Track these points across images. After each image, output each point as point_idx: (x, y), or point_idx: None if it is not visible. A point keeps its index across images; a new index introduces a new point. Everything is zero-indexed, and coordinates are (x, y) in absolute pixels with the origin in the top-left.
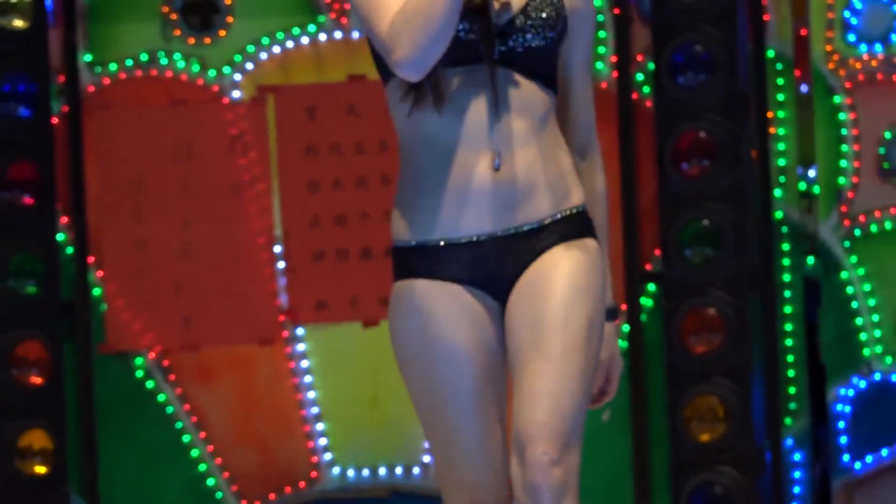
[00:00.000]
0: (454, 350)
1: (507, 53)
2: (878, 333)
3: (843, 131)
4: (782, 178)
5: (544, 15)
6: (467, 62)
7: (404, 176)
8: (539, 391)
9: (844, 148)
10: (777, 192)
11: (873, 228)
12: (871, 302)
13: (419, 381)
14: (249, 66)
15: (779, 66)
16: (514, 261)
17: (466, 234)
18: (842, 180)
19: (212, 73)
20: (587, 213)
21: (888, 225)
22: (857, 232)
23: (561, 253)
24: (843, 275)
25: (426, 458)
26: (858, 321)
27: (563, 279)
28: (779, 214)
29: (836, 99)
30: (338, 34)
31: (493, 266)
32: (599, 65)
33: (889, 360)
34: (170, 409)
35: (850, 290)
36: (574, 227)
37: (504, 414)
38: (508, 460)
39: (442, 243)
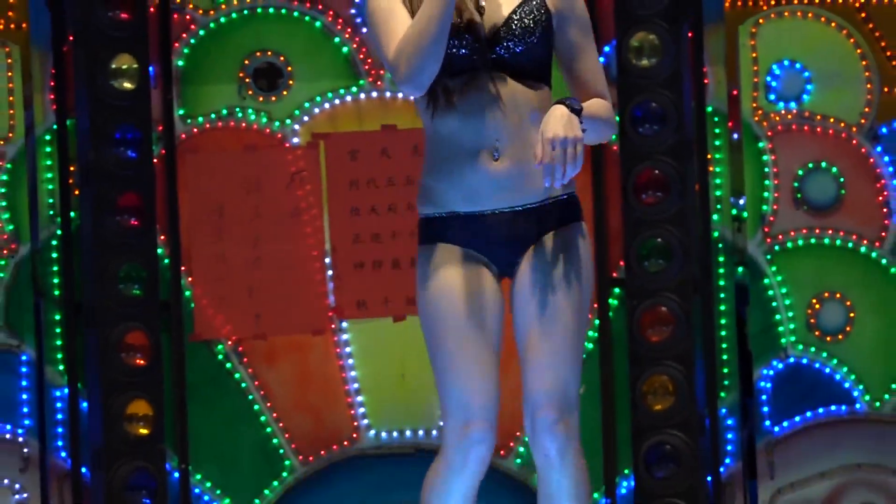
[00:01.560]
0: (454, 294)
1: (497, 60)
2: (791, 326)
3: (766, 169)
4: (719, 206)
5: (524, 24)
6: (466, 71)
7: (427, 166)
8: (545, 366)
9: (767, 182)
10: (714, 217)
11: (789, 245)
12: (787, 302)
13: (430, 317)
14: (305, 118)
15: (716, 119)
16: (512, 234)
17: (470, 210)
18: (765, 207)
19: (276, 124)
20: (576, 197)
21: (800, 242)
22: (777, 248)
23: (560, 242)
24: (766, 281)
25: (440, 424)
26: (777, 317)
27: (562, 271)
28: (716, 234)
29: (761, 144)
30: (374, 94)
31: (494, 236)
32: None
33: (801, 346)
34: (243, 385)
35: (770, 292)
36: (567, 211)
37: (496, 356)
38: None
39: (446, 215)
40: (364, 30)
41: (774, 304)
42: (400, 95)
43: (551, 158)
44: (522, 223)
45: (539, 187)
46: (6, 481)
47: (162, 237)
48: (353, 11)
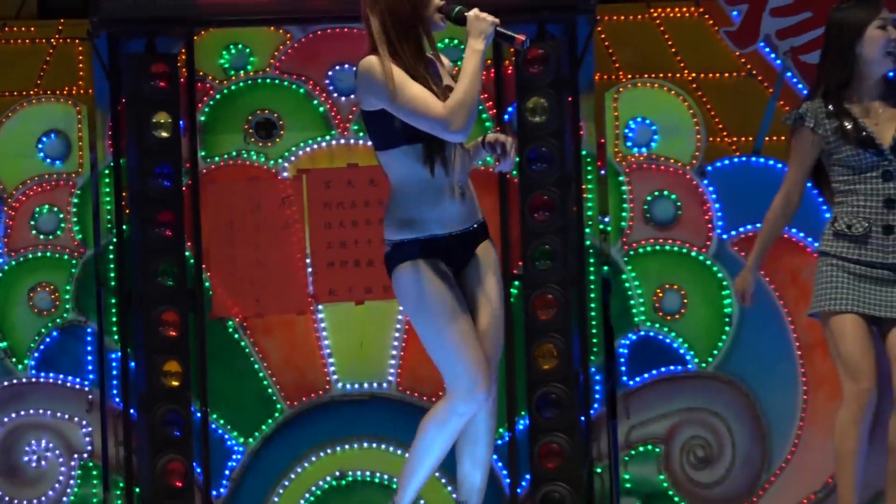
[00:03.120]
0: (447, 292)
1: None
2: (642, 309)
3: (624, 196)
4: (590, 223)
5: None
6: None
7: (411, 200)
8: (487, 337)
9: (624, 206)
10: (587, 230)
11: (640, 250)
12: (638, 291)
13: (436, 312)
14: (292, 158)
15: (588, 160)
16: (464, 247)
17: (443, 232)
18: (623, 224)
19: (271, 162)
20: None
21: (648, 248)
22: (631, 252)
23: (487, 251)
24: (623, 276)
25: (390, 378)
26: (631, 302)
27: (490, 274)
28: (587, 242)
29: (620, 178)
30: (342, 141)
31: (454, 250)
32: (489, 160)
33: (648, 323)
34: (247, 350)
35: (626, 285)
36: (485, 230)
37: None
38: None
39: (426, 238)
40: (348, 95)
41: (629, 293)
42: (361, 142)
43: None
44: (470, 241)
45: (476, 217)
46: (76, 419)
47: (189, 244)
48: (327, 81)
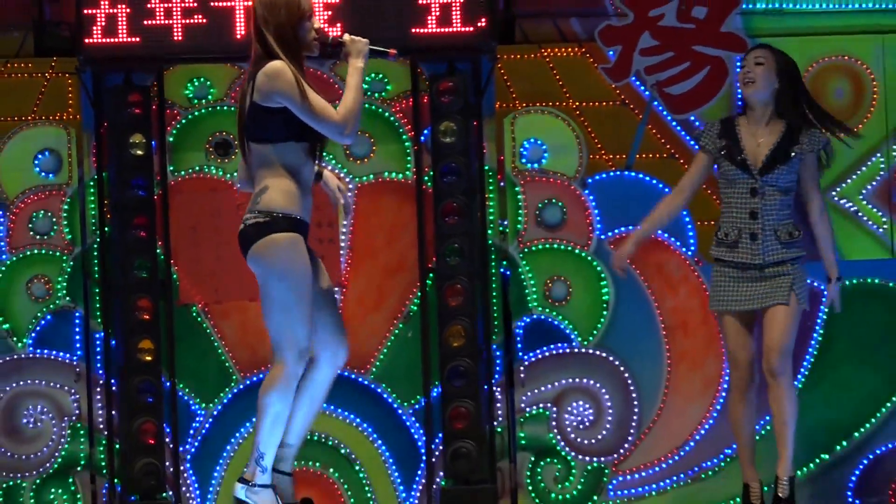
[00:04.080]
0: (309, 271)
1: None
2: (534, 296)
3: (520, 204)
4: (492, 226)
5: None
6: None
7: (286, 185)
8: (334, 322)
9: (520, 212)
10: (489, 232)
11: (533, 248)
12: (532, 282)
13: (295, 283)
14: None
15: (490, 174)
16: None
17: (307, 220)
18: (519, 226)
19: (228, 175)
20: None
21: (540, 247)
22: (526, 250)
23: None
24: (519, 269)
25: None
26: (526, 291)
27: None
28: (490, 242)
29: (517, 189)
30: None
31: (306, 236)
32: (408, 173)
33: (540, 308)
34: (208, 331)
35: (522, 277)
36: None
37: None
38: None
39: (301, 219)
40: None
41: (524, 283)
42: None
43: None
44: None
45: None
46: (67, 388)
47: (160, 243)
48: None
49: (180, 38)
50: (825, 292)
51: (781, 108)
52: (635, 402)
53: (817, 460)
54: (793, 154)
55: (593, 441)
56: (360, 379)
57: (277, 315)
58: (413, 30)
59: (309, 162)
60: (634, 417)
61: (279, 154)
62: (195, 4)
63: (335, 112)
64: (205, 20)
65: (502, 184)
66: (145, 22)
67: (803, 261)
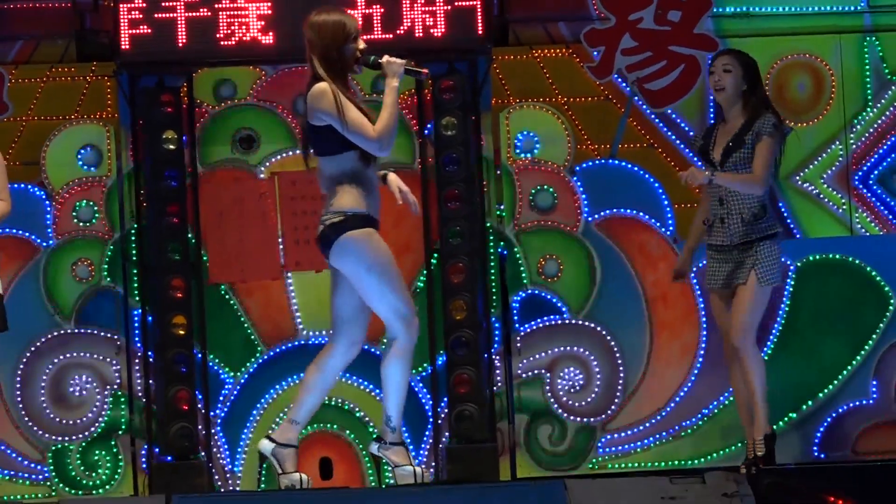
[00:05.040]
0: (390, 253)
1: None
2: (529, 273)
3: (515, 190)
4: (490, 210)
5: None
6: None
7: (354, 189)
8: (363, 318)
9: (516, 197)
10: (487, 215)
11: (527, 230)
12: (526, 260)
13: (383, 267)
14: (267, 164)
15: (487, 163)
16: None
17: (376, 217)
18: (514, 210)
19: (252, 167)
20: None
21: (534, 229)
22: (520, 232)
23: None
24: (515, 249)
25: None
26: (521, 268)
27: None
28: (488, 224)
29: (512, 176)
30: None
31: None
32: (414, 164)
33: (533, 284)
34: (235, 307)
35: (518, 256)
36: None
37: None
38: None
39: (371, 216)
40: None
41: (520, 261)
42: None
43: (412, 196)
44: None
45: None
46: (108, 359)
47: (191, 228)
48: (292, 106)
49: (206, 44)
50: (791, 266)
51: (748, 106)
52: (621, 368)
53: (786, 419)
54: (746, 140)
55: (583, 403)
56: (373, 350)
57: (377, 301)
58: (417, 34)
59: (368, 166)
60: (620, 382)
61: (340, 163)
62: (209, 13)
63: (372, 129)
64: (233, 29)
65: (499, 172)
66: (177, 31)
67: (776, 240)
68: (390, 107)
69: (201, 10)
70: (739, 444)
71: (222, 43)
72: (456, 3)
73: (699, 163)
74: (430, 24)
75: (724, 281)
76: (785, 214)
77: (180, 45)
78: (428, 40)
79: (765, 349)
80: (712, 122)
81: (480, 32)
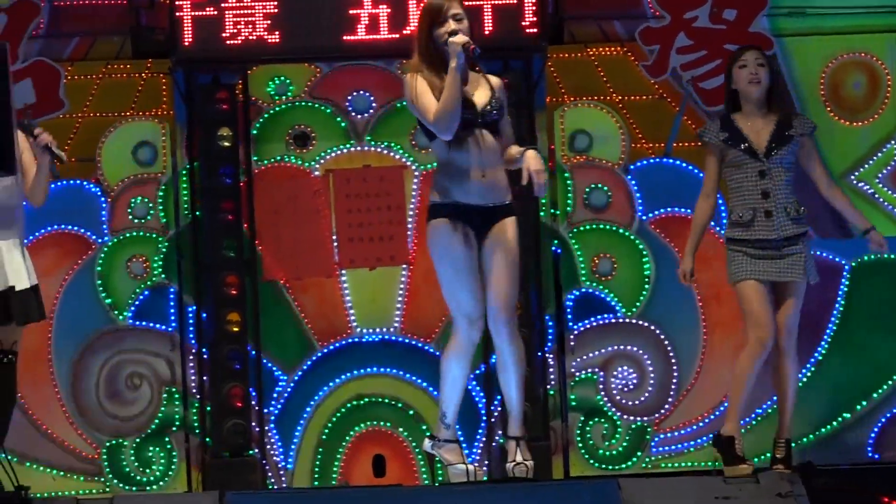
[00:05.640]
0: (462, 247)
1: (483, 123)
2: (583, 271)
3: (569, 188)
4: (544, 208)
5: (495, 105)
6: (469, 126)
7: (441, 176)
8: (501, 287)
9: (570, 195)
10: (542, 214)
11: (582, 228)
12: (581, 258)
13: (450, 259)
14: (321, 161)
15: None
16: (485, 219)
17: (466, 202)
18: (569, 209)
19: (306, 164)
20: (513, 203)
21: (588, 227)
22: (575, 230)
23: (508, 225)
24: (570, 248)
25: (396, 324)
26: (575, 267)
27: (509, 237)
28: (542, 222)
29: (566, 174)
30: (357, 148)
31: (475, 218)
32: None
33: (588, 282)
34: (289, 303)
35: (572, 254)
36: (510, 210)
37: (480, 284)
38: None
39: (451, 203)
40: (362, 113)
41: (573, 260)
42: (372, 148)
43: (540, 178)
44: (490, 215)
45: (500, 198)
46: (162, 356)
47: (245, 225)
48: (346, 103)
49: (263, 41)
50: (846, 266)
51: (772, 100)
52: (675, 367)
53: (840, 419)
54: (791, 136)
55: (637, 402)
56: (427, 347)
57: (446, 293)
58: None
59: (459, 151)
60: (674, 380)
61: (436, 151)
62: (276, 11)
63: (433, 113)
64: (285, 26)
65: (553, 170)
66: (232, 27)
67: (809, 236)
68: (448, 87)
69: (258, 6)
70: (794, 445)
71: (276, 40)
72: (509, 1)
73: (747, 158)
74: (486, 21)
75: (768, 274)
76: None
77: (236, 42)
78: (484, 38)
79: (818, 349)
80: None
81: (536, 30)
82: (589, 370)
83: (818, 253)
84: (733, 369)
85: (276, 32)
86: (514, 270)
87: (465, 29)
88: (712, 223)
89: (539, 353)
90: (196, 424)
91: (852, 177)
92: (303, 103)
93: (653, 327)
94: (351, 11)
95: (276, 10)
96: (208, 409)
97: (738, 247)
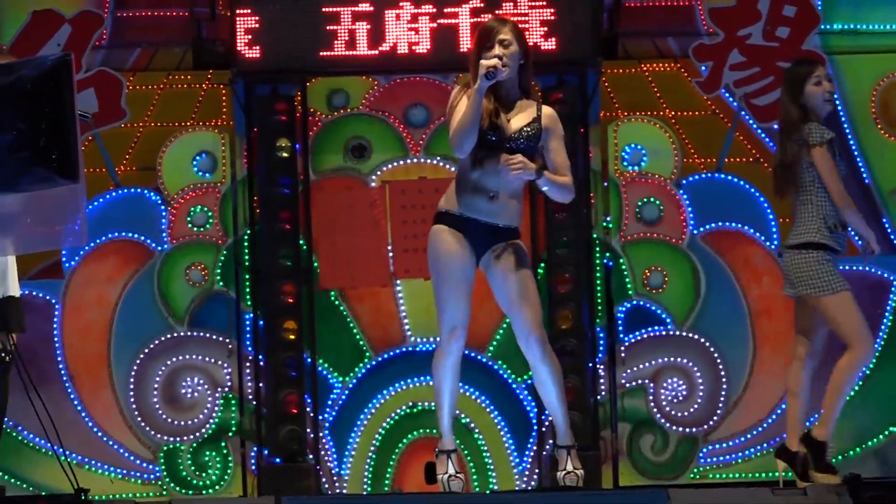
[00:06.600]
0: (456, 256)
1: (508, 149)
2: (634, 284)
3: (622, 202)
4: (597, 221)
5: (529, 133)
6: (493, 148)
7: (457, 187)
8: (528, 310)
9: (622, 209)
10: (594, 227)
11: (634, 242)
12: (632, 272)
13: (442, 267)
14: (378, 172)
15: (596, 175)
16: (489, 236)
17: (470, 216)
18: (621, 222)
19: (364, 176)
20: (519, 229)
21: (640, 240)
22: (627, 243)
23: (515, 247)
24: (621, 260)
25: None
26: (626, 279)
27: (520, 257)
28: (595, 235)
29: (619, 188)
30: (413, 160)
31: (479, 232)
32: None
33: (638, 295)
34: (345, 313)
35: (623, 267)
36: (516, 234)
37: (470, 294)
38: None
39: (457, 213)
40: (418, 127)
41: (625, 272)
42: (428, 161)
43: (510, 163)
44: (497, 235)
45: (508, 221)
46: (220, 362)
47: (302, 235)
48: (403, 116)
49: (322, 54)
50: (894, 281)
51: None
52: (724, 379)
53: (887, 432)
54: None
55: (686, 413)
56: (480, 357)
57: (435, 296)
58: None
59: (478, 171)
60: (723, 393)
61: (461, 161)
62: (335, 26)
63: (451, 130)
64: (345, 39)
65: (606, 184)
66: (291, 40)
67: None
68: (466, 108)
69: (321, 19)
70: (840, 458)
71: (337, 52)
72: (566, 16)
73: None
74: (541, 37)
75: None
76: (888, 229)
77: (296, 54)
78: (539, 53)
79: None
80: (828, 131)
81: (590, 46)
82: (639, 381)
83: (866, 269)
84: (832, 377)
85: (336, 46)
86: (532, 290)
87: (513, 54)
88: (761, 236)
89: (590, 364)
90: (252, 430)
91: None
92: (360, 115)
93: (703, 340)
94: (410, 26)
95: (334, 25)
96: (264, 415)
97: (826, 252)
